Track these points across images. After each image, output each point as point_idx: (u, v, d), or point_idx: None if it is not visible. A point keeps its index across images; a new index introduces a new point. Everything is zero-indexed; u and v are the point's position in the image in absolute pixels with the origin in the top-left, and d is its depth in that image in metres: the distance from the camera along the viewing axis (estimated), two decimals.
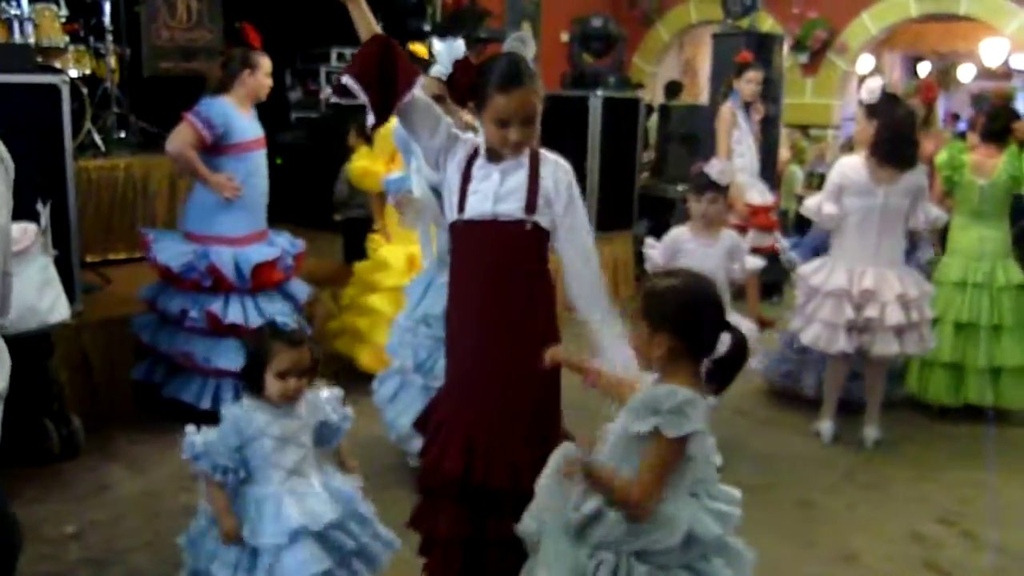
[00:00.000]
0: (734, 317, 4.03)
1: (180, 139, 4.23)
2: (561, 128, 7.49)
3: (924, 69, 14.53)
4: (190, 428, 2.46)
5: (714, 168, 3.93)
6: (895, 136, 4.15)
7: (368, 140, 5.31)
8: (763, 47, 7.67)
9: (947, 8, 10.01)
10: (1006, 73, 14.18)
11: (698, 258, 3.86)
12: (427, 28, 8.70)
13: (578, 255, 2.57)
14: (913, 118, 4.38)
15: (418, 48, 5.14)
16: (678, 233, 4.02)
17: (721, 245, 3.96)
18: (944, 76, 12.45)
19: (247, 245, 4.41)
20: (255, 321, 4.20)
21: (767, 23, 10.20)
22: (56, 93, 4.23)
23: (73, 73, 5.86)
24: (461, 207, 2.54)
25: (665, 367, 2.02)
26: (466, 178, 2.57)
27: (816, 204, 4.39)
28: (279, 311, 4.14)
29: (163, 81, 6.98)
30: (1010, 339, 4.71)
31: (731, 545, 2.12)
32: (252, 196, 4.43)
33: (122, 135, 6.31)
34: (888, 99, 4.34)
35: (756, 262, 4.10)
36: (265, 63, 4.40)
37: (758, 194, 6.04)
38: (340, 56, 7.64)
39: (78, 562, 3.19)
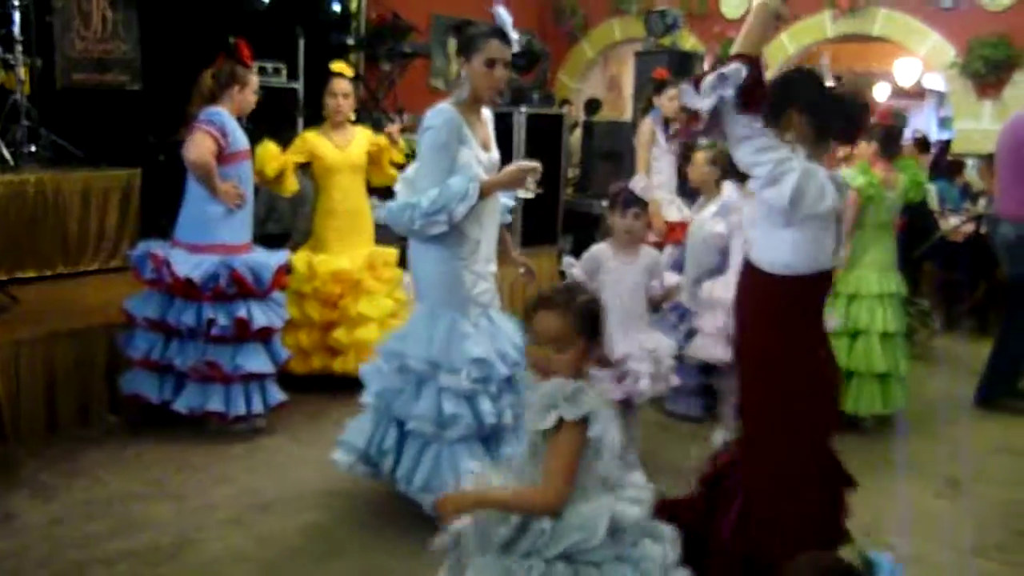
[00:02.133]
0: (654, 335, 4.08)
1: (201, 148, 4.27)
2: None
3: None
4: None
5: (638, 184, 3.96)
6: None
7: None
8: (684, 65, 7.80)
9: (862, 29, 10.27)
10: (919, 92, 14.62)
11: (618, 275, 3.88)
12: (351, 42, 8.65)
13: None
14: None
15: (341, 66, 5.09)
16: (598, 250, 4.03)
17: (641, 262, 3.98)
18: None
19: (248, 253, 4.50)
20: (277, 323, 4.51)
21: (689, 42, 10.37)
22: None
23: None
24: None
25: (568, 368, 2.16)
26: None
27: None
28: (283, 315, 4.58)
29: (77, 93, 6.77)
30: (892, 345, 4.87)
31: (654, 524, 2.19)
32: (248, 205, 4.54)
33: (32, 149, 6.10)
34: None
35: (674, 278, 4.14)
36: (254, 81, 4.50)
37: (676, 210, 6.08)
38: (262, 70, 7.51)
39: None
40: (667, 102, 6.25)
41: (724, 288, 4.21)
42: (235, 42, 4.42)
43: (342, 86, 5.04)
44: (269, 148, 4.98)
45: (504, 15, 3.38)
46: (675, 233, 5.88)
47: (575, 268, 4.06)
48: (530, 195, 3.53)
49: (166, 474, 4.06)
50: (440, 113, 3.39)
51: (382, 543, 3.38)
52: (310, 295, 5.03)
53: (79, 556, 3.29)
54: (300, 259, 5.05)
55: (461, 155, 3.38)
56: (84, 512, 3.64)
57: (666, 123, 6.28)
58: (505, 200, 3.78)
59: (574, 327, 2.16)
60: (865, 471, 4.36)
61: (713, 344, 4.34)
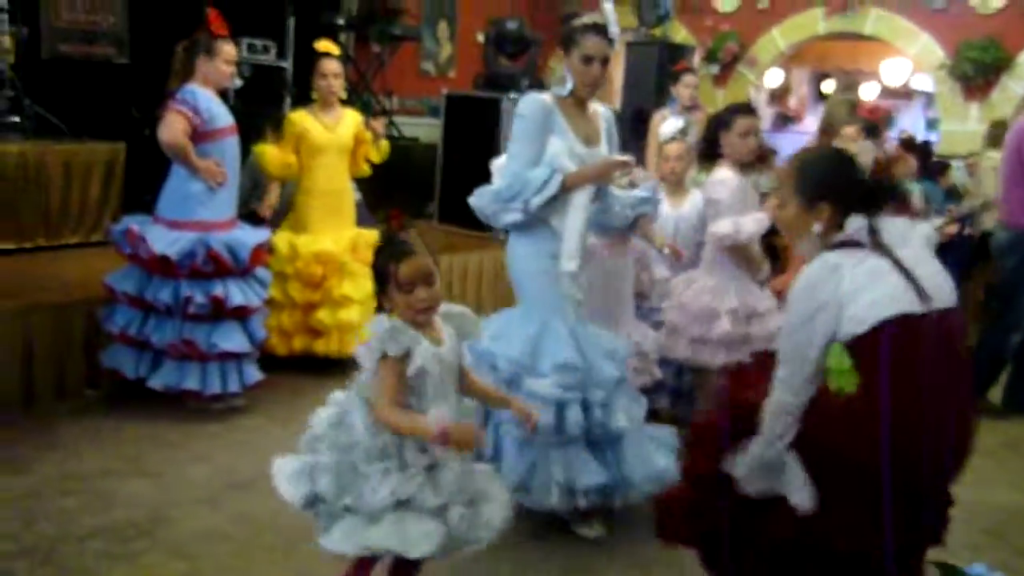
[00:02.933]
0: (640, 327, 4.07)
1: (173, 129, 4.23)
2: (473, 129, 7.47)
3: (829, 86, 14.94)
4: None
5: (639, 175, 3.91)
6: None
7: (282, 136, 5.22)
8: (675, 57, 7.79)
9: (853, 27, 10.29)
10: (907, 92, 14.66)
11: (607, 267, 3.85)
12: (341, 22, 8.60)
13: None
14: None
15: (326, 44, 5.05)
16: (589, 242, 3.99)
17: (630, 253, 3.97)
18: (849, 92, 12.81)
19: (229, 230, 4.45)
20: (255, 302, 4.47)
21: (680, 34, 10.37)
22: None
23: None
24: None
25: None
26: None
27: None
28: (262, 294, 4.55)
29: (62, 64, 6.71)
30: None
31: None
32: (230, 182, 4.49)
33: (16, 120, 6.04)
34: None
35: (664, 271, 4.12)
36: (225, 49, 4.38)
37: None
38: (251, 47, 7.48)
39: None
40: (683, 89, 6.22)
41: (712, 296, 4.16)
42: (207, 11, 4.38)
43: (332, 66, 5.02)
44: (267, 152, 4.99)
45: (609, 10, 3.34)
46: None
47: None
48: (620, 191, 3.45)
49: (142, 451, 4.04)
50: (531, 101, 3.33)
51: None
52: (292, 276, 5.01)
53: (52, 531, 3.27)
54: (282, 240, 5.03)
55: (551, 145, 3.28)
56: (58, 487, 3.62)
57: (687, 112, 6.23)
58: (636, 193, 3.64)
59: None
60: None
61: (714, 351, 4.16)
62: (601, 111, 3.53)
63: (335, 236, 5.09)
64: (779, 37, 10.69)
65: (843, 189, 2.32)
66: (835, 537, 2.26)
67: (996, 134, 7.40)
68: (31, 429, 4.16)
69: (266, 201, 5.41)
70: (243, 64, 6.98)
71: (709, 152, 4.15)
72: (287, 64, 7.78)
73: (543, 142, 3.28)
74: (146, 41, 6.91)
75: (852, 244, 2.30)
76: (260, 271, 4.62)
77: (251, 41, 7.45)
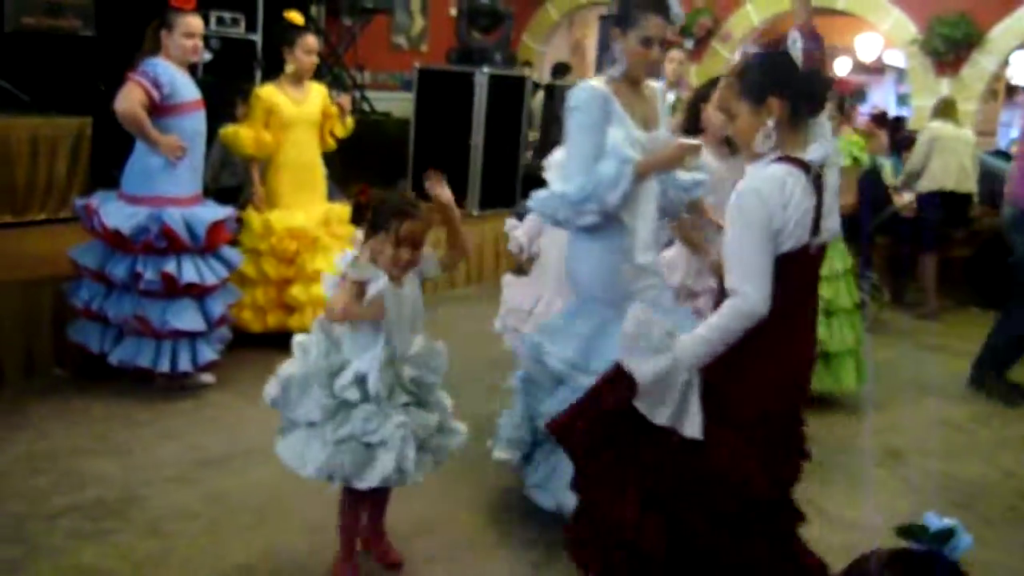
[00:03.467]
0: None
1: (130, 99, 4.17)
2: (446, 104, 7.43)
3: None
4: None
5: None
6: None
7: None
8: None
9: (826, 3, 10.29)
10: (879, 68, 14.74)
11: (564, 241, 3.82)
12: None
13: None
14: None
15: (293, 15, 4.99)
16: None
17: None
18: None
19: (191, 206, 4.39)
20: (210, 280, 4.38)
21: None
22: None
23: None
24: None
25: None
26: None
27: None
28: (220, 273, 4.45)
29: (26, 37, 6.58)
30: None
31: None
32: (194, 157, 4.43)
33: None
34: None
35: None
36: (184, 22, 4.28)
37: None
38: (220, 20, 7.37)
39: None
40: (667, 64, 6.14)
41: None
42: None
43: (311, 43, 4.96)
44: (240, 133, 4.93)
45: None
46: None
47: (518, 231, 4.04)
48: (688, 175, 3.27)
49: (112, 429, 4.01)
50: (583, 91, 3.10)
51: (325, 499, 3.38)
52: (266, 252, 4.96)
53: (21, 509, 3.25)
54: (255, 216, 4.99)
55: (610, 135, 3.03)
56: (28, 466, 3.60)
57: (672, 88, 6.16)
58: (687, 175, 3.36)
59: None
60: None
61: None
62: (657, 88, 3.33)
63: (307, 211, 5.05)
64: (752, 12, 10.69)
65: (785, 80, 2.37)
66: (716, 464, 2.36)
67: (943, 107, 7.51)
68: None
69: (256, 192, 5.08)
70: (211, 38, 6.88)
71: (691, 128, 4.07)
72: (256, 37, 7.68)
73: (603, 134, 3.05)
74: (113, 14, 6.78)
75: (795, 161, 2.35)
76: (225, 250, 4.56)
77: (220, 14, 7.34)
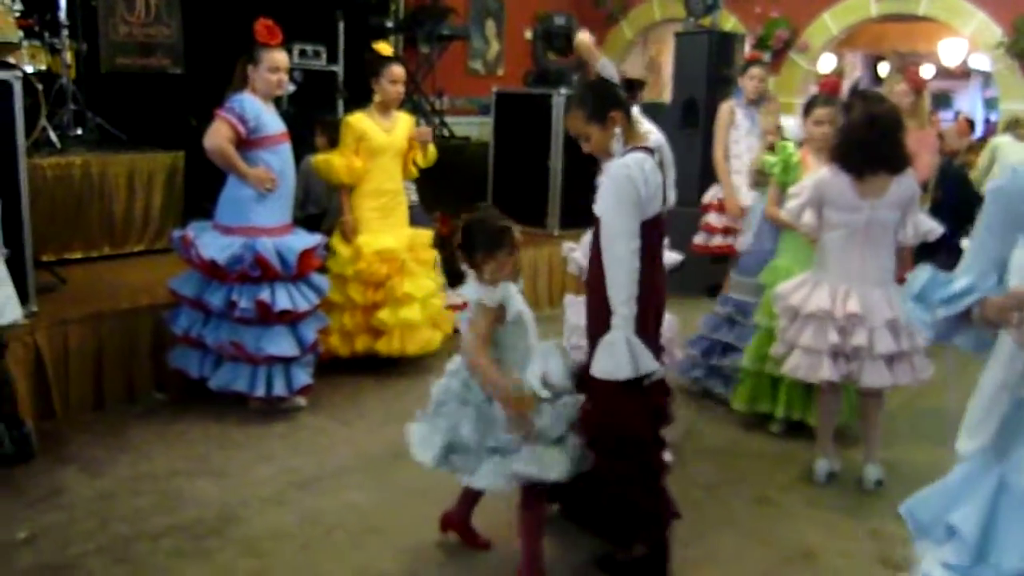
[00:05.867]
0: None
1: (217, 136, 4.33)
2: (524, 126, 7.49)
3: (884, 69, 14.69)
4: None
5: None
6: (852, 140, 3.75)
7: (332, 139, 5.29)
8: (725, 46, 7.72)
9: (907, 9, 10.10)
10: (964, 72, 14.38)
11: None
12: (390, 24, 8.67)
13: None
14: (892, 116, 3.80)
15: (382, 46, 5.11)
16: None
17: None
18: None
19: (282, 235, 4.52)
20: (303, 306, 4.50)
21: (729, 22, 10.26)
22: (8, 89, 4.20)
23: (28, 69, 5.75)
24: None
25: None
26: None
27: (797, 209, 3.94)
28: (311, 299, 4.58)
29: (121, 77, 6.87)
30: None
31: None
32: (284, 187, 4.55)
33: (79, 132, 6.21)
34: (858, 97, 3.90)
35: (675, 257, 3.99)
36: (269, 57, 4.41)
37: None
38: (302, 52, 7.58)
39: (30, 568, 3.13)
40: (748, 81, 6.09)
41: (821, 298, 3.84)
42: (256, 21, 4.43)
43: (398, 73, 5.04)
44: (333, 161, 5.03)
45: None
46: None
47: (576, 252, 4.07)
48: None
49: (209, 451, 4.14)
50: None
51: (420, 522, 3.42)
52: (352, 277, 5.05)
53: (126, 531, 3.37)
54: (341, 243, 5.09)
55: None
56: (131, 487, 3.73)
57: (753, 105, 6.12)
58: None
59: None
60: (914, 456, 4.35)
61: (816, 362, 3.86)
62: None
63: (395, 235, 5.15)
64: (830, 21, 10.52)
65: (615, 94, 3.05)
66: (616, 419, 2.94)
67: (1012, 124, 7.79)
68: (103, 432, 4.29)
69: (346, 220, 5.10)
70: (295, 70, 7.08)
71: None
72: (338, 68, 7.87)
73: None
74: (201, 51, 7.05)
75: (644, 149, 2.95)
76: (314, 277, 4.66)
77: (303, 47, 7.55)
